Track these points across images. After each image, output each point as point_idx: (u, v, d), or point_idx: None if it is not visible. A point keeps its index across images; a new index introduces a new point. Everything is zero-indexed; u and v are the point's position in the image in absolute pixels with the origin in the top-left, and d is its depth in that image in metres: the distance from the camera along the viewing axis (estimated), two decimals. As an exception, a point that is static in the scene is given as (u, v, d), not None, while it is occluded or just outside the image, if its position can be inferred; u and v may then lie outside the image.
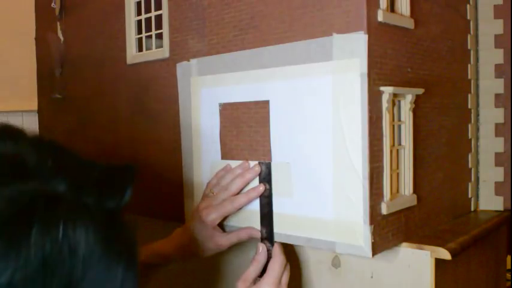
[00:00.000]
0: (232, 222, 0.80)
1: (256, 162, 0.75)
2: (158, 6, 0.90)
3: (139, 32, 0.96)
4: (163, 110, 0.91)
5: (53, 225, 0.39)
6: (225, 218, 0.78)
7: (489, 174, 0.91)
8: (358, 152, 0.64)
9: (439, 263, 0.68)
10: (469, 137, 0.89)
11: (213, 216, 0.76)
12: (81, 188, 0.43)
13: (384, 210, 0.66)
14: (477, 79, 0.91)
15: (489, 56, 0.90)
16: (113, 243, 0.42)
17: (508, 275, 1.19)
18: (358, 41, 0.63)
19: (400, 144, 0.71)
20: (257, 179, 0.76)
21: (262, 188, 0.75)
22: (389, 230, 0.68)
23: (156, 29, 0.91)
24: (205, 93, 0.82)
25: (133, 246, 0.45)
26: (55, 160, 0.43)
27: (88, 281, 0.40)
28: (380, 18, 0.64)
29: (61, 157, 0.45)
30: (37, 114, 1.31)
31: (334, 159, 0.67)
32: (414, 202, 0.73)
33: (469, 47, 0.88)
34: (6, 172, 0.41)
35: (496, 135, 0.90)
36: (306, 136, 0.69)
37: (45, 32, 1.20)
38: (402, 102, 0.71)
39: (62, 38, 1.16)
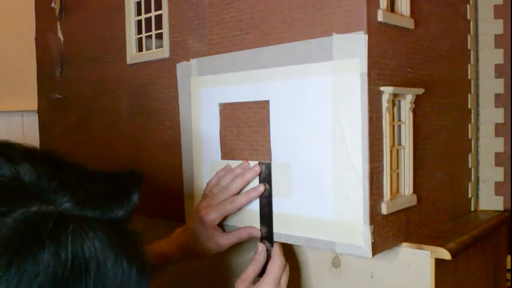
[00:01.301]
0: (232, 222, 0.80)
1: (256, 162, 0.76)
2: (158, 6, 0.90)
3: (140, 32, 0.96)
4: (163, 110, 0.91)
5: (61, 248, 0.39)
6: (224, 218, 0.78)
7: (489, 174, 0.91)
8: (358, 152, 0.64)
9: (439, 263, 0.68)
10: (469, 137, 0.89)
11: (212, 216, 0.76)
12: (86, 203, 0.43)
13: (384, 210, 0.66)
14: (477, 79, 0.91)
15: (489, 56, 0.90)
16: (123, 253, 0.42)
17: (508, 275, 1.19)
18: (358, 41, 0.63)
19: (400, 144, 0.71)
20: (257, 179, 0.76)
21: (262, 188, 0.75)
22: (389, 230, 0.68)
23: (156, 29, 0.91)
24: (205, 93, 0.82)
25: (142, 252, 0.45)
26: (56, 177, 0.43)
27: None
28: (380, 18, 0.64)
29: (61, 172, 0.44)
30: (37, 114, 1.31)
31: (334, 159, 0.67)
32: (414, 202, 0.73)
33: (469, 47, 0.88)
34: (6, 199, 0.40)
35: (496, 135, 0.90)
36: (306, 136, 0.69)
37: (45, 32, 1.20)
38: (402, 102, 0.71)
39: (62, 38, 1.16)
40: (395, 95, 0.68)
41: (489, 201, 0.92)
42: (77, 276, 0.39)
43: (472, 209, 0.91)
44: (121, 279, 0.42)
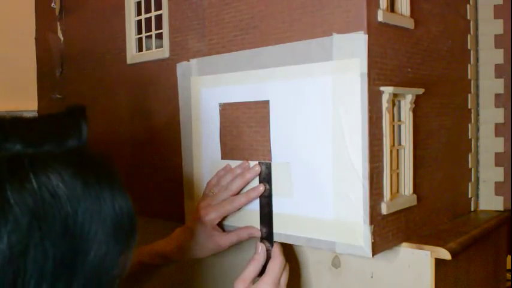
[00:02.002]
0: (232, 222, 0.80)
1: (256, 162, 0.75)
2: (158, 6, 0.90)
3: (140, 32, 0.96)
4: (163, 110, 0.91)
5: (25, 180, 0.40)
6: (224, 218, 0.78)
7: (489, 174, 0.91)
8: (358, 152, 0.64)
9: (439, 263, 0.68)
10: (469, 137, 0.89)
11: (212, 216, 0.76)
12: (37, 140, 0.43)
13: (384, 210, 0.66)
14: (477, 79, 0.91)
15: (489, 56, 0.90)
16: (89, 172, 0.44)
17: (508, 275, 1.19)
18: (358, 41, 0.63)
19: (400, 144, 0.71)
20: (257, 179, 0.76)
21: (262, 188, 0.75)
22: (389, 230, 0.68)
23: (156, 29, 0.91)
24: (205, 93, 0.82)
25: (108, 167, 0.46)
26: (1, 127, 0.43)
27: (82, 215, 0.41)
28: (380, 18, 0.64)
29: (8, 122, 0.45)
30: (37, 115, 1.31)
31: (334, 159, 0.67)
32: (414, 202, 0.73)
33: (469, 47, 0.88)
34: None
35: (496, 135, 0.90)
36: (306, 136, 0.69)
37: (45, 32, 1.20)
38: (402, 102, 0.71)
39: (62, 38, 1.16)
40: (395, 95, 0.68)
41: (489, 201, 0.92)
42: (52, 204, 0.40)
43: (472, 209, 0.91)
44: (95, 195, 0.43)
